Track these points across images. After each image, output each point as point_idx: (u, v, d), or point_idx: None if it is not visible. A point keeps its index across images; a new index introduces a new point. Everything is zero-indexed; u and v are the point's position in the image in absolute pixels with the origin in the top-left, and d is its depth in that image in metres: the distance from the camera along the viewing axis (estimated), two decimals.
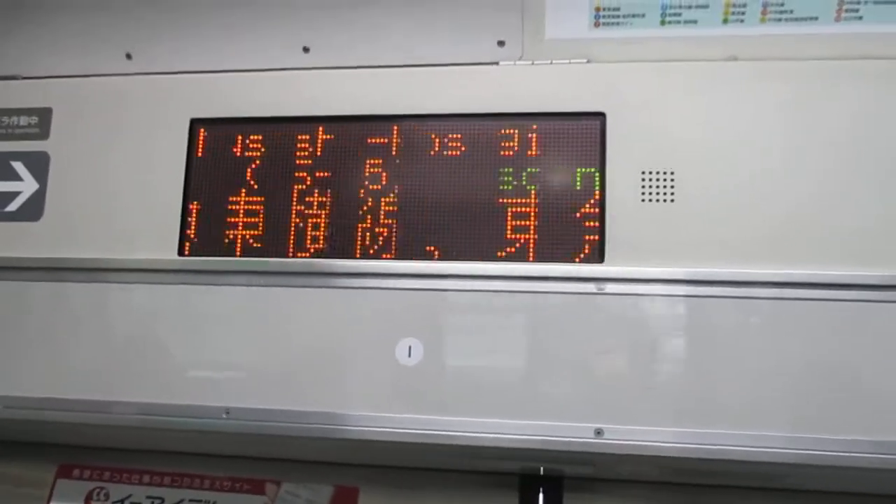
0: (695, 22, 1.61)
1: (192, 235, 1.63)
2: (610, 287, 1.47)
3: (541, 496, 1.64)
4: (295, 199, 1.61)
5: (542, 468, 1.59)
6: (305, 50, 1.71)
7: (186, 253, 1.62)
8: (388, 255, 1.55)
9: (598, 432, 1.41)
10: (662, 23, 1.62)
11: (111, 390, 1.58)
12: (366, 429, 1.47)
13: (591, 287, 1.48)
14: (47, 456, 1.82)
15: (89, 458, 1.80)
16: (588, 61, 1.59)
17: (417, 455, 1.59)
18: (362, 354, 1.51)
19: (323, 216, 1.59)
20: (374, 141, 1.60)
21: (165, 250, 1.63)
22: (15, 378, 1.61)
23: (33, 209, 1.71)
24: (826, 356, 1.39)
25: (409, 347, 1.51)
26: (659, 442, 1.39)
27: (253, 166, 1.63)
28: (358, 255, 1.56)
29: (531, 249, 1.51)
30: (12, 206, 1.72)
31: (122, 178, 1.68)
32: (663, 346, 1.44)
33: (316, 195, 1.60)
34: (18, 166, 1.74)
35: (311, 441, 1.52)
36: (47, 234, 1.69)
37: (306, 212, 1.60)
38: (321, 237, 1.59)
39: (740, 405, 1.40)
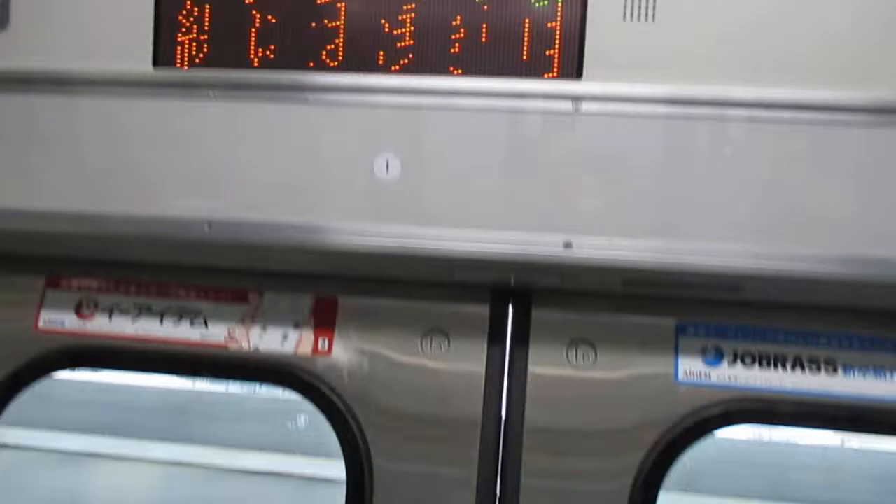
0: None
1: (167, 45, 1.60)
2: (585, 105, 1.50)
3: (510, 308, 1.74)
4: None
5: (512, 279, 1.67)
6: None
7: (161, 64, 1.60)
8: (359, 70, 1.54)
9: (567, 245, 1.48)
10: None
11: (95, 202, 1.61)
12: (344, 238, 1.53)
13: (567, 105, 1.50)
14: (35, 268, 1.87)
15: (76, 271, 1.86)
16: None
17: (393, 266, 1.66)
18: (341, 169, 1.54)
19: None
20: None
21: (140, 61, 1.60)
22: None
23: None
24: (792, 177, 1.45)
25: (387, 162, 1.54)
26: (624, 253, 1.47)
27: None
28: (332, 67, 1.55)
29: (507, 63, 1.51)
30: None
31: None
32: (635, 164, 1.48)
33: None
34: None
35: (290, 252, 1.59)
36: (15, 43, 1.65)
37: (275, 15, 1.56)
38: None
39: (704, 222, 1.47)
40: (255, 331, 1.77)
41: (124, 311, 1.82)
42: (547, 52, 1.50)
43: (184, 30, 1.60)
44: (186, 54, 1.60)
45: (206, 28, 1.59)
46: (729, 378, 1.64)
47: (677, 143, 1.48)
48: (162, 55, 1.60)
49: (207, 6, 1.59)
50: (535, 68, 1.50)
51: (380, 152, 1.54)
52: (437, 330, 1.72)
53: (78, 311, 1.83)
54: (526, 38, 1.50)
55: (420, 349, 1.71)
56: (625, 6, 1.48)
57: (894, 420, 1.59)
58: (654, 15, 1.48)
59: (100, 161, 1.62)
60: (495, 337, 1.71)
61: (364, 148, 1.54)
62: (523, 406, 1.66)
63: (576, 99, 1.49)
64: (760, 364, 1.64)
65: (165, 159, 1.59)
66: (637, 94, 1.47)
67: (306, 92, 1.56)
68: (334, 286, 1.78)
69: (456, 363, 1.70)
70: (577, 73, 1.49)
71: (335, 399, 1.70)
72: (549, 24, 1.49)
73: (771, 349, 1.65)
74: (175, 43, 1.60)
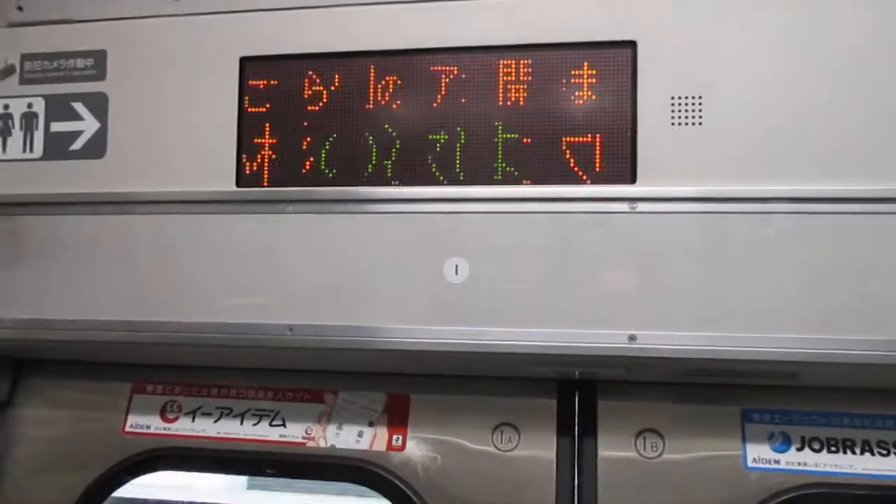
0: None
1: (249, 166, 1.75)
2: (641, 206, 1.59)
3: (577, 399, 1.80)
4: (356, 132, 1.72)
5: (577, 372, 1.73)
6: None
7: (244, 184, 1.75)
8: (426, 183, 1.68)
9: (632, 338, 1.55)
10: None
11: (184, 313, 1.73)
12: (416, 340, 1.62)
13: (624, 206, 1.60)
14: (123, 375, 1.99)
15: (161, 377, 1.97)
16: None
17: (463, 364, 1.74)
18: (414, 273, 1.65)
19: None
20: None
21: (224, 182, 1.75)
22: (92, 303, 1.76)
23: (96, 147, 1.83)
24: (840, 264, 1.52)
25: (456, 266, 1.64)
26: (685, 346, 1.54)
27: (311, 106, 1.73)
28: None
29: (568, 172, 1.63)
30: (76, 145, 1.84)
31: (176, 115, 1.79)
32: (688, 259, 1.57)
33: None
34: (79, 107, 1.85)
35: (366, 353, 1.68)
36: (111, 171, 1.82)
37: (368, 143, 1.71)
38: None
39: (759, 311, 1.53)
40: (331, 429, 1.84)
41: (206, 414, 1.91)
42: (603, 159, 1.61)
43: (261, 152, 1.75)
44: (267, 174, 1.75)
45: (282, 149, 1.74)
46: (798, 463, 1.66)
47: (726, 238, 1.57)
48: (244, 175, 1.75)
49: (280, 131, 1.75)
50: (592, 174, 1.62)
51: (450, 257, 1.65)
52: (507, 423, 1.78)
53: (163, 414, 1.93)
54: (584, 147, 1.62)
55: (491, 442, 1.77)
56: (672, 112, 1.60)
57: None
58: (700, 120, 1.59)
59: (193, 275, 1.75)
60: (563, 428, 1.76)
61: (435, 254, 1.65)
62: (595, 497, 1.69)
63: (632, 200, 1.59)
64: (829, 449, 1.67)
65: (250, 270, 1.72)
66: (687, 194, 1.57)
67: (373, 204, 1.69)
68: (406, 383, 1.86)
69: (526, 456, 1.75)
70: (631, 178, 1.60)
71: (410, 494, 1.75)
72: (604, 135, 1.62)
73: (838, 433, 1.67)
74: (255, 164, 1.75)
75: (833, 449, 1.66)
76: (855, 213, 1.53)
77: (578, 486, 1.72)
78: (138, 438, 1.92)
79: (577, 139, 1.62)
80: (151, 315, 1.74)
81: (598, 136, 1.62)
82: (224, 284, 1.73)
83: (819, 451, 1.67)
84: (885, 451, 1.64)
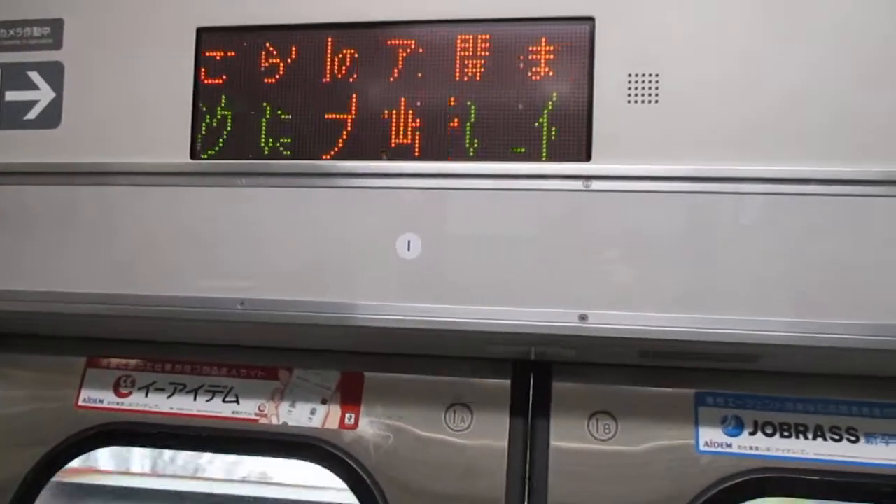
0: None
1: (204, 138, 1.73)
2: (595, 184, 1.58)
3: (531, 380, 1.78)
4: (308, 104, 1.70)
5: (532, 352, 1.72)
6: None
7: (199, 156, 1.72)
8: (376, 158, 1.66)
9: (583, 317, 1.54)
10: None
11: (134, 285, 1.71)
12: (370, 317, 1.60)
13: (578, 184, 1.58)
14: (76, 349, 1.96)
15: (115, 351, 1.95)
16: None
17: (417, 342, 1.72)
18: (366, 249, 1.63)
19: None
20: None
21: (178, 153, 1.73)
22: (44, 275, 1.74)
23: (51, 117, 1.80)
24: (794, 247, 1.50)
25: (409, 242, 1.62)
26: (636, 326, 1.52)
27: (271, 78, 1.71)
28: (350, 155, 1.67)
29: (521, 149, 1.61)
30: (31, 115, 1.81)
31: (132, 86, 1.76)
32: (645, 240, 1.55)
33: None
34: (35, 76, 1.82)
35: (318, 329, 1.66)
36: (66, 141, 1.79)
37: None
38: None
39: (714, 295, 1.52)
40: (284, 406, 1.82)
41: (160, 389, 1.89)
42: (558, 136, 1.60)
43: (216, 124, 1.73)
44: (220, 146, 1.73)
45: (238, 122, 1.72)
46: (750, 448, 1.65)
47: (681, 218, 1.55)
48: (198, 147, 1.73)
49: (236, 103, 1.72)
50: (547, 151, 1.60)
51: (402, 233, 1.63)
52: (461, 403, 1.76)
53: (116, 388, 1.91)
54: (536, 123, 1.60)
55: (444, 422, 1.75)
56: (628, 90, 1.58)
57: None
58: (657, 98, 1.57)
59: (142, 247, 1.73)
60: (517, 409, 1.74)
61: (388, 229, 1.63)
62: (546, 479, 1.68)
63: (586, 178, 1.57)
64: (782, 433, 1.65)
65: (201, 244, 1.70)
66: (642, 172, 1.55)
67: (328, 178, 1.67)
68: (360, 362, 1.84)
69: (479, 437, 1.73)
70: (586, 155, 1.58)
71: (361, 473, 1.73)
72: (558, 110, 1.60)
73: (791, 418, 1.66)
74: (210, 136, 1.73)
75: (786, 434, 1.65)
76: (813, 194, 1.51)
77: (530, 466, 1.71)
78: (91, 413, 1.90)
79: (533, 115, 1.60)
80: (103, 287, 1.72)
81: (554, 112, 1.60)
82: (176, 257, 1.70)
83: (772, 435, 1.65)
84: (837, 437, 1.63)
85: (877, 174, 1.50)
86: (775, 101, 1.54)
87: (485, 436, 1.73)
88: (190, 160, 1.73)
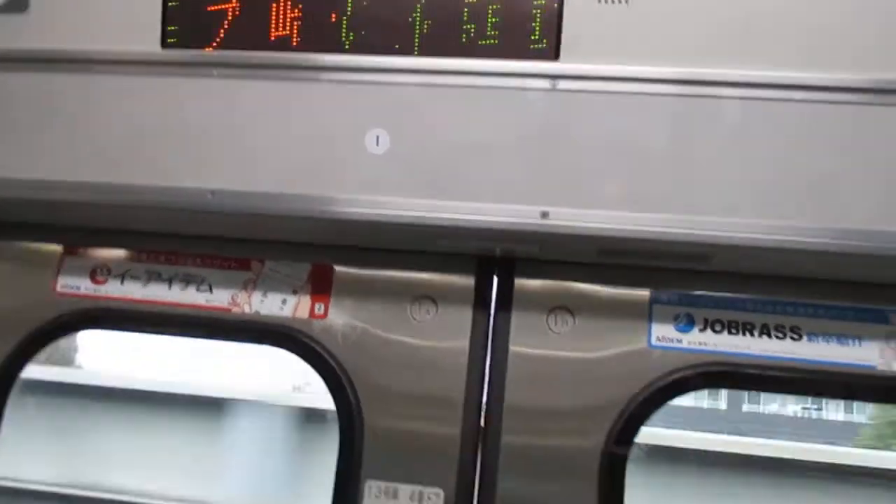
0: None
1: (174, 27, 1.72)
2: (562, 83, 1.60)
3: (495, 276, 1.85)
4: None
5: (497, 249, 1.77)
6: None
7: (169, 45, 1.72)
8: (355, 51, 1.66)
9: (544, 214, 1.59)
10: None
11: (108, 174, 1.73)
12: (337, 210, 1.65)
13: (545, 83, 1.60)
14: (54, 237, 2.00)
15: (92, 240, 1.99)
16: None
17: (385, 236, 1.77)
18: (335, 143, 1.66)
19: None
20: None
21: (149, 42, 1.73)
22: (20, 162, 1.76)
23: (18, 1, 1.78)
24: (752, 150, 1.54)
25: (377, 137, 1.65)
26: (596, 224, 1.57)
27: None
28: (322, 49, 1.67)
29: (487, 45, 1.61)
30: None
31: None
32: (608, 140, 1.58)
33: None
34: None
35: (287, 221, 1.70)
36: (33, 27, 1.78)
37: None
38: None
39: (673, 194, 1.56)
40: (257, 296, 1.89)
41: (135, 277, 1.94)
42: (526, 34, 1.60)
43: (189, 13, 1.72)
44: (192, 36, 1.72)
45: (210, 10, 1.71)
46: (699, 343, 1.74)
47: (647, 120, 1.58)
48: (169, 36, 1.72)
49: None
50: (514, 50, 1.61)
51: (371, 128, 1.65)
52: (426, 296, 1.83)
53: (93, 276, 1.96)
54: (506, 21, 1.60)
55: (409, 313, 1.82)
56: None
57: (854, 384, 1.68)
58: None
59: (114, 136, 1.75)
60: (479, 303, 1.81)
61: (356, 124, 1.65)
62: (505, 366, 1.77)
63: (553, 78, 1.59)
64: (730, 331, 1.74)
65: (172, 134, 1.72)
66: (611, 73, 1.57)
67: (299, 71, 1.67)
68: (331, 255, 1.89)
69: (442, 327, 1.81)
70: (554, 54, 1.59)
71: (330, 360, 1.82)
72: (527, 8, 1.59)
73: (740, 317, 1.74)
74: (182, 25, 1.72)
75: (733, 331, 1.73)
76: (782, 99, 1.54)
77: (491, 354, 1.79)
78: (69, 299, 1.96)
79: (499, 12, 1.60)
80: (76, 176, 1.75)
81: (522, 9, 1.60)
82: (147, 147, 1.72)
83: (720, 332, 1.74)
84: (781, 335, 1.72)
85: (838, 81, 1.53)
86: (749, 4, 1.55)
87: (448, 327, 1.81)
88: (160, 50, 1.73)
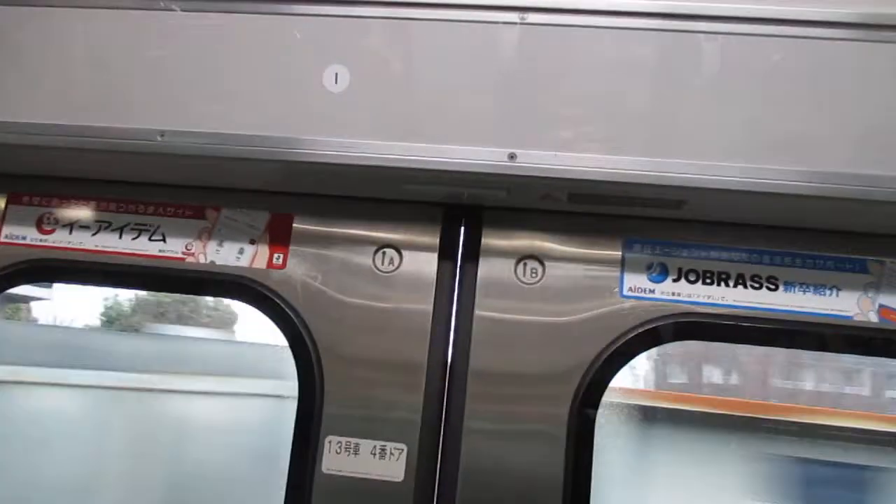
0: None
1: None
2: (531, 17, 1.51)
3: (462, 226, 1.77)
4: None
5: (465, 195, 1.69)
6: None
7: None
8: None
9: (512, 156, 1.51)
10: None
11: (51, 115, 1.63)
12: (292, 150, 1.56)
13: (513, 16, 1.51)
14: None
15: (37, 188, 1.88)
16: None
17: (346, 183, 1.68)
18: (291, 81, 1.56)
19: None
20: None
21: None
22: None
23: None
24: (726, 91, 1.47)
25: (336, 74, 1.55)
26: (565, 166, 1.50)
27: None
28: None
29: None
30: None
31: None
32: (579, 78, 1.51)
33: None
34: None
35: (241, 164, 1.61)
36: None
37: None
38: None
39: (647, 136, 1.49)
40: (212, 245, 1.80)
41: (84, 227, 1.85)
42: None
43: None
44: None
45: None
46: (672, 294, 1.67)
47: (622, 57, 1.50)
48: None
49: None
50: None
51: (329, 64, 1.56)
52: (390, 246, 1.75)
53: (39, 226, 1.86)
54: None
55: (373, 263, 1.74)
56: None
57: (829, 335, 1.63)
58: None
59: (57, 74, 1.64)
60: (445, 252, 1.74)
61: (314, 60, 1.56)
62: (472, 316, 1.70)
63: (522, 10, 1.50)
64: (704, 281, 1.68)
65: (123, 72, 1.62)
66: (581, 5, 1.49)
67: (258, 3, 1.58)
68: (290, 203, 1.80)
69: (407, 277, 1.73)
70: None
71: (288, 311, 1.73)
72: None
73: (715, 266, 1.68)
74: None
75: (708, 281, 1.67)
76: (761, 35, 1.48)
77: (457, 304, 1.72)
78: (14, 249, 1.85)
79: None
80: (17, 117, 1.64)
81: None
82: (95, 84, 1.62)
83: (694, 282, 1.67)
84: (757, 285, 1.66)
85: (817, 14, 1.46)
86: None
87: (413, 278, 1.73)
88: None
